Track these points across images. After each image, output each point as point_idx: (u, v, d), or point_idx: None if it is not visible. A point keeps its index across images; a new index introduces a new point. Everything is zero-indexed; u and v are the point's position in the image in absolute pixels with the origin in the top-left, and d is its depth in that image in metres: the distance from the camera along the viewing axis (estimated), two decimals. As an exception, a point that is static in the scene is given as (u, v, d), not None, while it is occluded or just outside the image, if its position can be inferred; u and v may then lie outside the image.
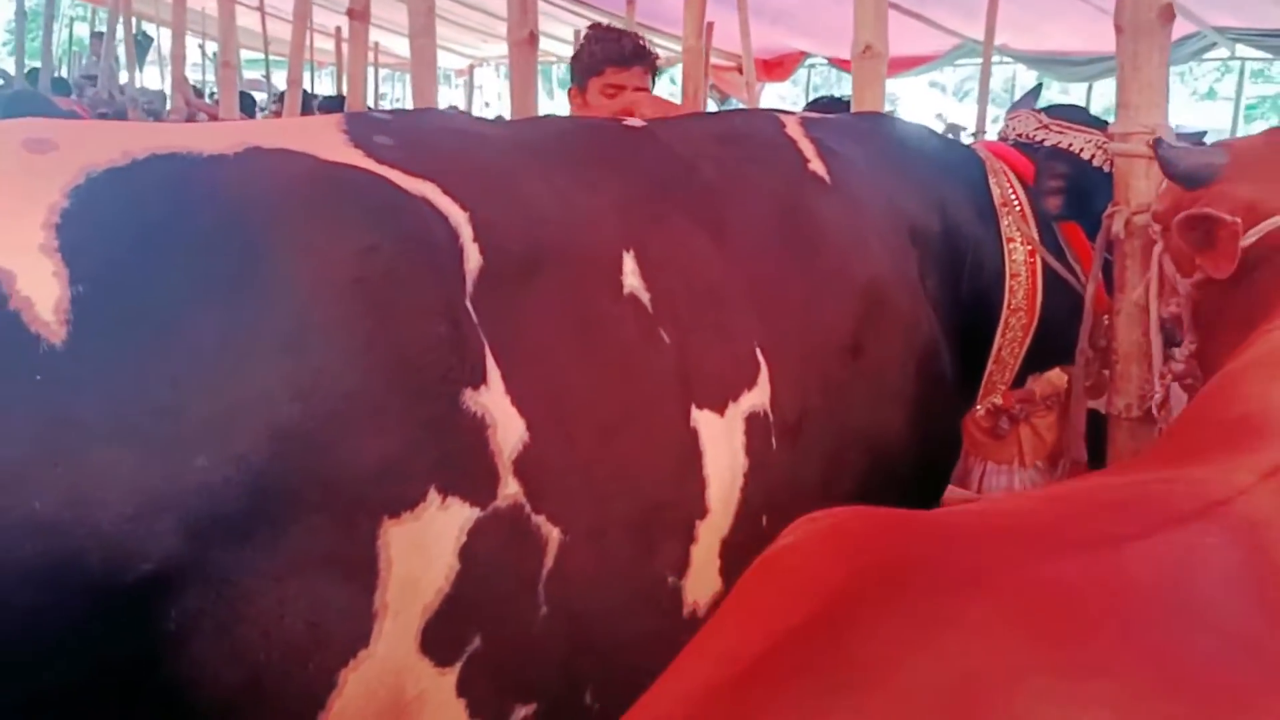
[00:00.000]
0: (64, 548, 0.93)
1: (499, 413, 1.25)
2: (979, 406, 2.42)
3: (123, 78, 9.62)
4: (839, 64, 9.92)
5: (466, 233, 1.29)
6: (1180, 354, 1.93)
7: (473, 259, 1.29)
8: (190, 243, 1.08)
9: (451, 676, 1.24)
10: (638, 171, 1.66)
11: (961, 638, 0.78)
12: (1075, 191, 2.20)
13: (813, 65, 10.88)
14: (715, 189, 1.73)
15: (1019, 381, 2.46)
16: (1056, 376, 2.68)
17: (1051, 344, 2.31)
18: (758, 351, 1.64)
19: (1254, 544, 0.90)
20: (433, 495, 1.18)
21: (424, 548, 1.18)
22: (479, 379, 1.23)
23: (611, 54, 3.10)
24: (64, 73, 12.65)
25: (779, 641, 0.84)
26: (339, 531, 1.11)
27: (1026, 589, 0.83)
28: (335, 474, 1.10)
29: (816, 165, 1.93)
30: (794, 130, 1.99)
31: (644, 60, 3.14)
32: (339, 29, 8.85)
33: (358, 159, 1.28)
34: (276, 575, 1.06)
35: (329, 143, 1.29)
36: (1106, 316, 2.19)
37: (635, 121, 1.88)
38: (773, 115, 2.05)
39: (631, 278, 1.49)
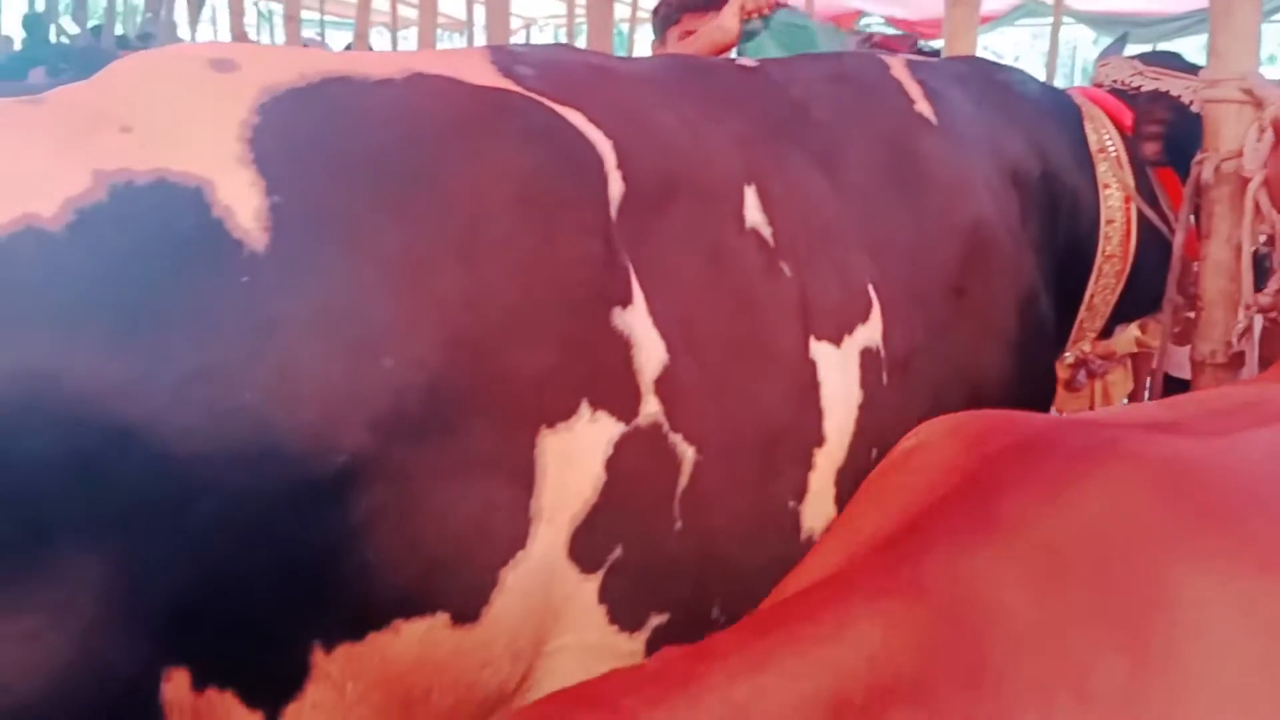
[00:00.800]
0: (269, 438, 0.99)
1: (642, 333, 1.30)
2: (1066, 354, 2.44)
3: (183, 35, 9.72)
4: (895, 23, 9.82)
5: (611, 159, 1.34)
6: (1270, 287, 1.95)
7: (616, 185, 1.33)
8: (371, 158, 1.13)
9: (594, 583, 1.30)
10: (755, 109, 1.69)
11: (1091, 495, 0.83)
12: (1173, 138, 2.21)
13: (868, 25, 10.78)
14: (828, 128, 1.77)
15: (1107, 332, 2.48)
16: (1131, 335, 2.70)
17: (1142, 292, 2.32)
18: (870, 288, 1.67)
19: None
20: (584, 408, 1.24)
21: (575, 458, 1.24)
22: (626, 299, 1.28)
23: (686, 1, 3.14)
24: (123, 30, 12.74)
25: (925, 509, 0.89)
26: (501, 437, 1.17)
27: (1150, 459, 0.88)
28: (500, 381, 1.16)
29: (923, 107, 1.95)
30: (899, 72, 2.01)
31: (719, 4, 3.15)
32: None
33: (510, 86, 1.33)
34: (448, 474, 1.12)
35: (481, 71, 1.34)
36: (1195, 263, 2.20)
37: (749, 62, 1.92)
38: (877, 58, 2.07)
39: (753, 212, 1.53)
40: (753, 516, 1.46)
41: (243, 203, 1.03)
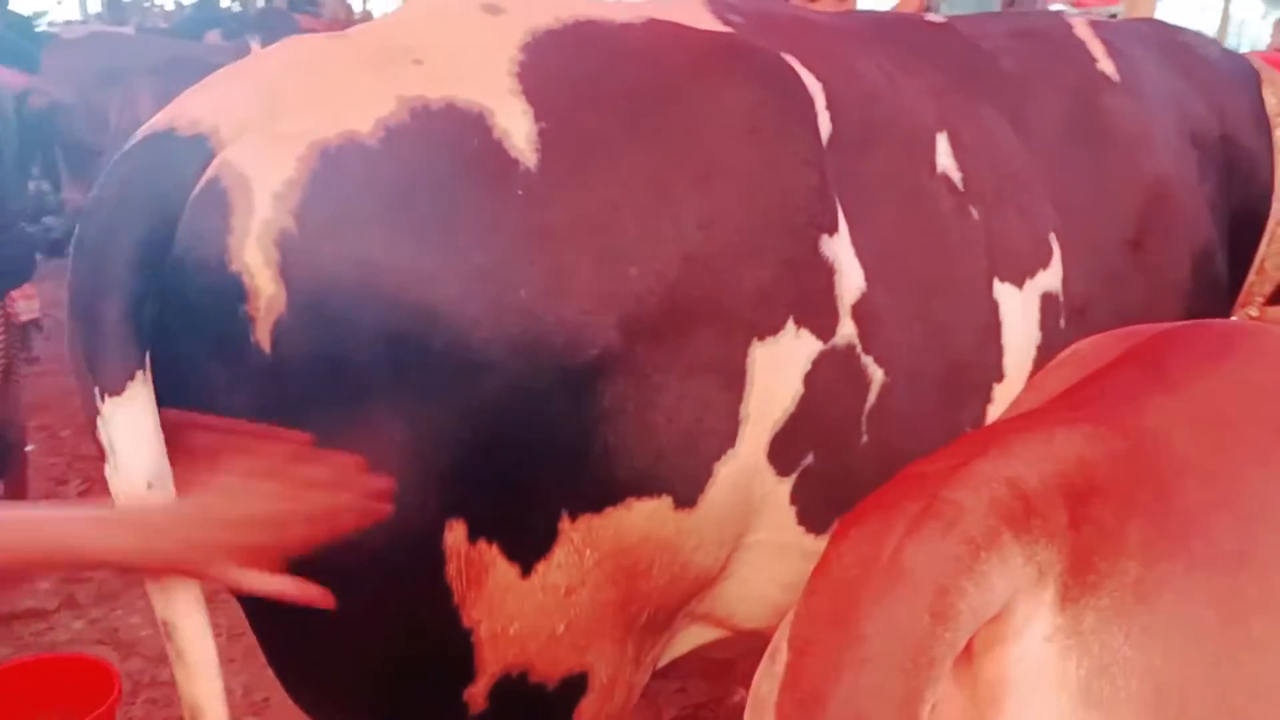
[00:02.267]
0: (538, 329, 1.16)
1: (845, 261, 1.43)
2: (1234, 316, 2.46)
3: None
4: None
5: (821, 101, 1.46)
6: None
7: (825, 124, 1.45)
8: (621, 92, 1.28)
9: (788, 485, 1.44)
10: (946, 61, 1.79)
11: (1246, 359, 0.94)
12: None
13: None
14: (1015, 81, 1.85)
15: (1277, 298, 2.48)
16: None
17: (1314, 260, 2.32)
18: (1051, 236, 1.76)
19: None
20: (790, 325, 1.37)
21: (779, 369, 1.37)
22: (834, 227, 1.41)
23: None
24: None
25: (1095, 376, 1.00)
26: (721, 344, 1.31)
27: None
28: (724, 294, 1.30)
29: (1106, 65, 2.01)
30: (1082, 31, 2.07)
31: None
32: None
33: (730, 32, 1.46)
34: (678, 373, 1.27)
35: (702, 18, 1.48)
36: None
37: (938, 18, 2.01)
38: (1061, 16, 2.13)
39: (944, 157, 1.63)
40: (931, 438, 1.57)
41: (517, 127, 1.20)
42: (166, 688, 3.18)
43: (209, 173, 1.09)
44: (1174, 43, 2.23)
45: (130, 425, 1.07)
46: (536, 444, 1.19)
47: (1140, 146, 1.97)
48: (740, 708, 3.14)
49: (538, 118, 1.21)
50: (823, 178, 1.40)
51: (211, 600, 1.16)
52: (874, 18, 1.92)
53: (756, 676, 1.03)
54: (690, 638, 1.60)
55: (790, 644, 0.84)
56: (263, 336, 1.07)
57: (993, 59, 1.86)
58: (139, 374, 1.07)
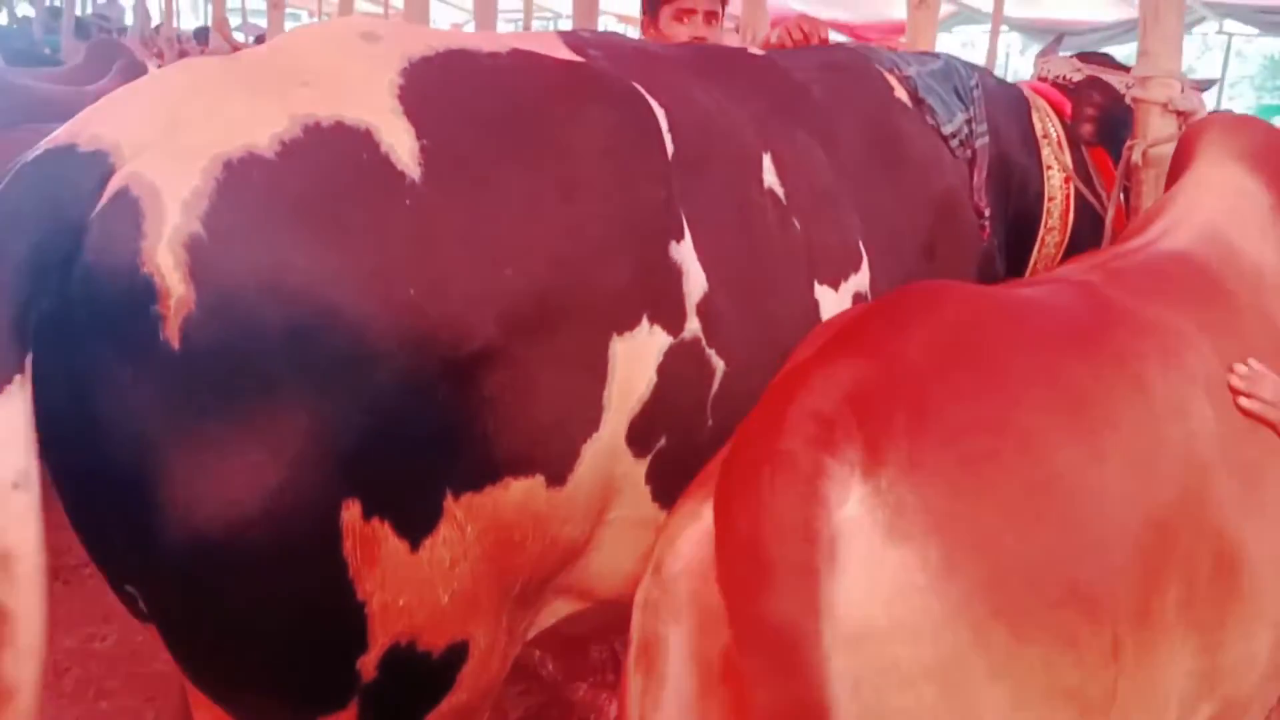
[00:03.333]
0: (426, 325, 1.28)
1: (690, 265, 1.61)
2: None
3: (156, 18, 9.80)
4: (837, 27, 10.21)
5: (665, 124, 1.64)
6: None
7: (669, 144, 1.64)
8: (493, 114, 1.43)
9: (644, 466, 1.61)
10: (766, 91, 2.01)
11: (958, 304, 1.30)
12: (1106, 120, 2.59)
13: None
14: (823, 109, 2.10)
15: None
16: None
17: (1079, 261, 2.70)
18: (860, 244, 2.01)
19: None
20: (645, 321, 1.54)
21: (636, 361, 1.54)
22: (680, 235, 1.59)
23: None
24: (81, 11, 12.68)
25: (848, 328, 1.33)
26: (586, 339, 1.47)
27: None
28: (588, 294, 1.46)
29: (900, 93, 2.30)
30: (878, 63, 2.35)
31: None
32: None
33: (585, 62, 1.63)
34: (548, 365, 1.42)
35: (562, 51, 1.64)
36: None
37: (758, 51, 2.25)
38: (860, 51, 2.41)
39: (769, 175, 1.85)
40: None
41: (401, 144, 1.32)
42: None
43: (118, 183, 1.17)
44: (958, 73, 2.55)
45: (4, 425, 1.13)
46: (424, 429, 1.31)
47: (931, 166, 2.26)
48: (583, 704, 3.27)
49: (419, 135, 1.34)
50: (669, 191, 1.58)
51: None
52: (705, 50, 2.14)
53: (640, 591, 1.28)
54: (555, 611, 1.74)
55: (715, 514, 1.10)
56: (172, 333, 1.15)
57: (805, 88, 2.10)
58: (17, 378, 1.14)
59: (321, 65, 1.37)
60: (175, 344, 1.15)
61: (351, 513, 1.27)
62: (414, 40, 1.46)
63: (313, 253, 1.21)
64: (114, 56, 6.57)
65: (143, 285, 1.14)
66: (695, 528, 1.16)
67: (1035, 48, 9.24)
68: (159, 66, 6.23)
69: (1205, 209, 1.92)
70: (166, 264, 1.15)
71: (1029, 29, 9.41)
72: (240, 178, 1.20)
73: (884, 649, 1.03)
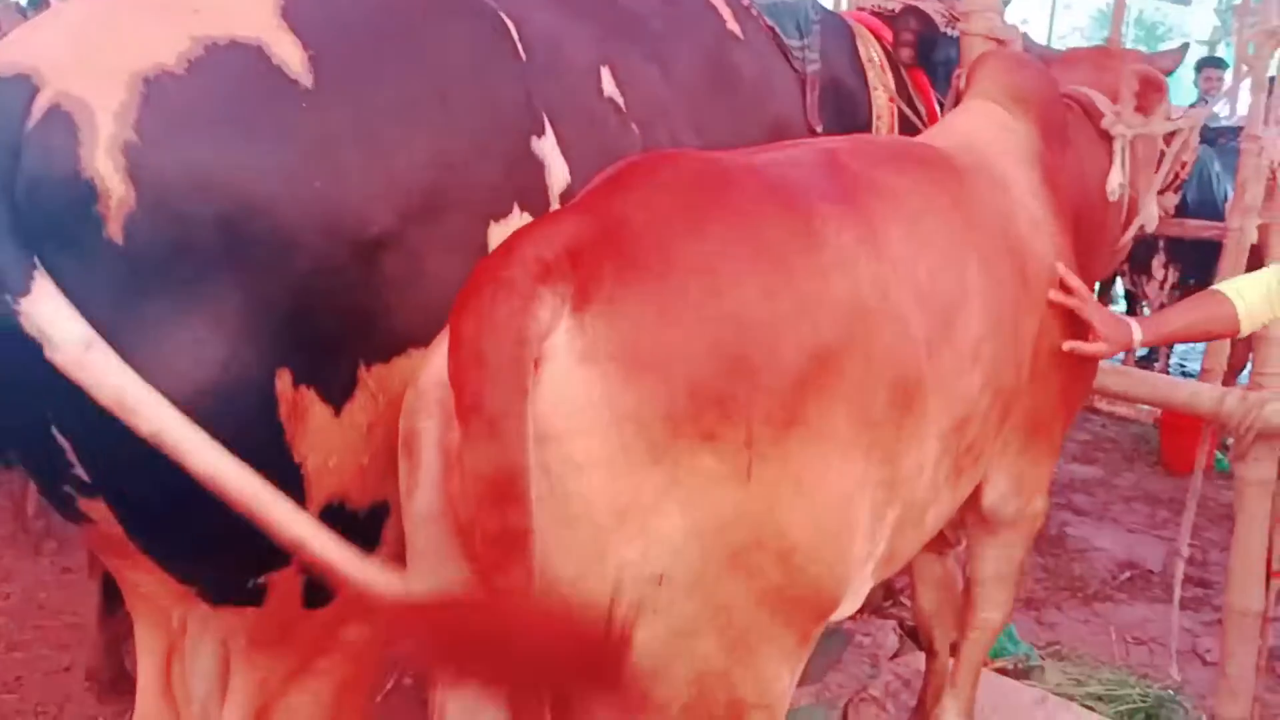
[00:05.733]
0: (333, 213, 1.48)
1: (552, 158, 1.84)
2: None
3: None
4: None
5: (515, 34, 1.86)
6: None
7: (522, 52, 1.85)
8: (371, 26, 1.63)
9: None
10: (604, 18, 2.24)
11: (692, 170, 1.54)
12: (924, 44, 2.93)
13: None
14: (659, 36, 2.34)
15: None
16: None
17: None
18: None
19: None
20: (515, 209, 1.77)
21: None
22: (541, 131, 1.82)
23: None
24: None
25: (586, 194, 1.55)
26: (466, 226, 1.69)
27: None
28: (466, 185, 1.67)
29: (733, 26, 2.57)
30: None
31: None
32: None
33: None
34: (437, 249, 1.63)
35: None
36: None
37: None
38: None
39: (608, 84, 2.08)
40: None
41: (290, 55, 1.50)
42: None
43: (46, 101, 1.31)
44: (786, 6, 2.83)
45: (51, 308, 1.28)
46: (338, 306, 1.51)
47: (763, 91, 2.56)
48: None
49: (305, 47, 1.52)
50: (527, 91, 1.80)
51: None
52: None
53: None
54: None
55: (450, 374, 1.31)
56: (115, 231, 1.32)
57: (642, 18, 2.34)
58: (36, 271, 1.28)
59: None
60: (119, 239, 1.32)
61: (284, 381, 1.47)
62: None
63: (230, 152, 1.39)
64: None
65: (85, 189, 1.31)
66: (442, 349, 1.39)
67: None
68: None
69: (967, 128, 2.28)
70: (106, 168, 1.31)
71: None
72: (159, 91, 1.36)
73: (563, 447, 1.30)
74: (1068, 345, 2.15)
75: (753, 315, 1.39)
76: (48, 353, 1.28)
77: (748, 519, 1.37)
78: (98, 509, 1.53)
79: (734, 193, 1.51)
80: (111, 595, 3.01)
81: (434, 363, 1.42)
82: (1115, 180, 2.44)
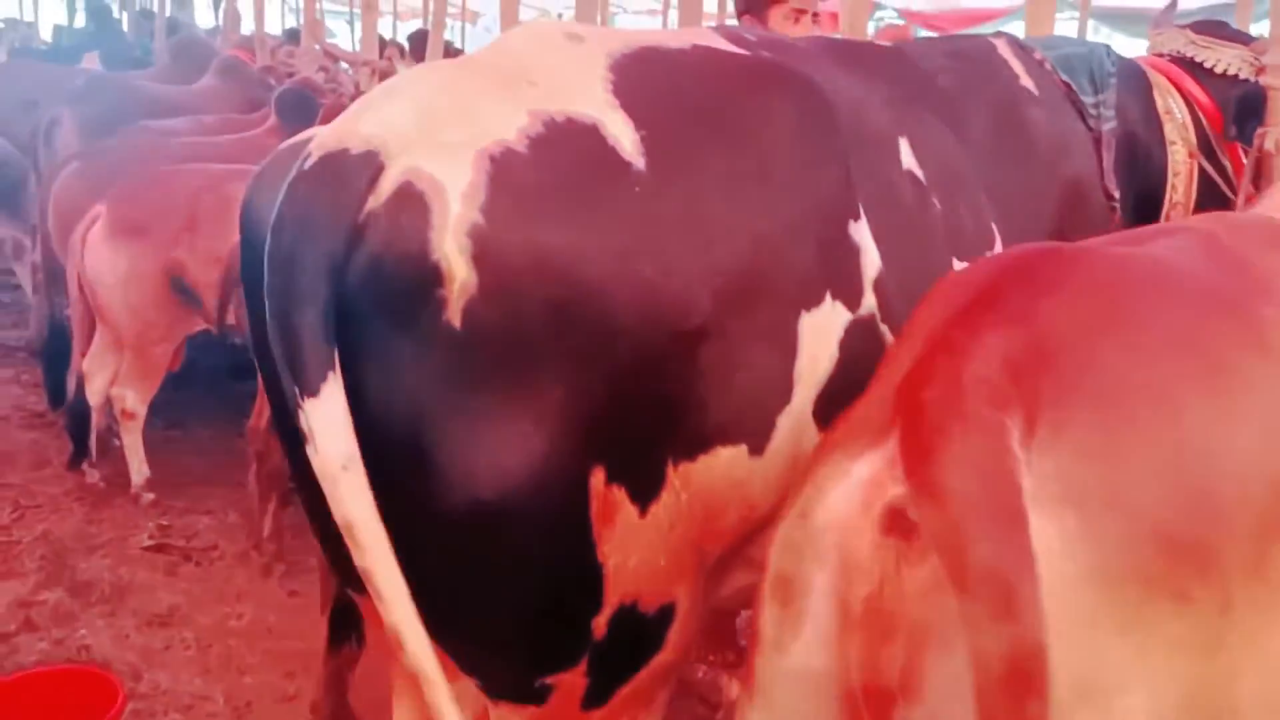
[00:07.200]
0: (659, 300, 1.40)
1: (866, 242, 1.70)
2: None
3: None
4: (910, 16, 10.19)
5: (833, 107, 1.74)
6: None
7: (840, 128, 1.73)
8: (695, 103, 1.54)
9: None
10: (896, 79, 2.10)
11: (1091, 269, 1.34)
12: (1240, 114, 2.65)
13: (881, 19, 11.15)
14: (950, 95, 2.18)
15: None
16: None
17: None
18: (993, 225, 2.08)
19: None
20: (829, 297, 1.64)
21: (821, 336, 1.63)
22: (857, 214, 1.69)
23: None
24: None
25: (981, 297, 1.33)
26: (780, 314, 1.57)
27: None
28: (782, 271, 1.56)
29: (1026, 81, 2.38)
30: (1004, 51, 2.42)
31: None
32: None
33: (755, 55, 1.73)
34: (751, 339, 1.52)
35: (726, 45, 1.74)
36: None
37: (885, 42, 2.33)
38: (985, 39, 2.49)
39: (907, 157, 1.94)
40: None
41: (623, 135, 1.43)
42: (148, 700, 3.24)
43: (396, 178, 1.28)
44: (1079, 55, 2.61)
45: (327, 419, 1.27)
46: (654, 400, 1.42)
47: (1059, 150, 2.35)
48: (703, 684, 3.31)
49: (637, 127, 1.45)
50: (847, 172, 1.67)
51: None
52: (835, 42, 2.24)
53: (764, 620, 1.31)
54: (734, 582, 1.84)
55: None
56: (453, 316, 1.27)
57: (931, 76, 2.19)
58: (331, 374, 1.27)
59: (540, 64, 1.49)
60: (457, 324, 1.27)
61: (597, 478, 1.39)
62: (611, 38, 1.58)
63: (570, 236, 1.33)
64: (199, 55, 6.77)
65: (431, 271, 1.27)
66: (846, 485, 1.23)
67: (1119, 36, 9.19)
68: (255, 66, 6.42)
69: None
70: (453, 251, 1.26)
71: (1104, 15, 9.34)
72: (504, 170, 1.31)
73: None
74: None
75: (1215, 442, 1.19)
76: (309, 449, 1.27)
77: (1206, 699, 1.16)
78: None
79: (1164, 294, 1.32)
80: (338, 629, 3.05)
81: (832, 501, 1.26)
82: None
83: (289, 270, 1.28)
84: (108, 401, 4.50)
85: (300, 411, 1.27)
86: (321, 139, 1.35)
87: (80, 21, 11.59)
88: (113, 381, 4.44)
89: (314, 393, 1.26)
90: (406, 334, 1.28)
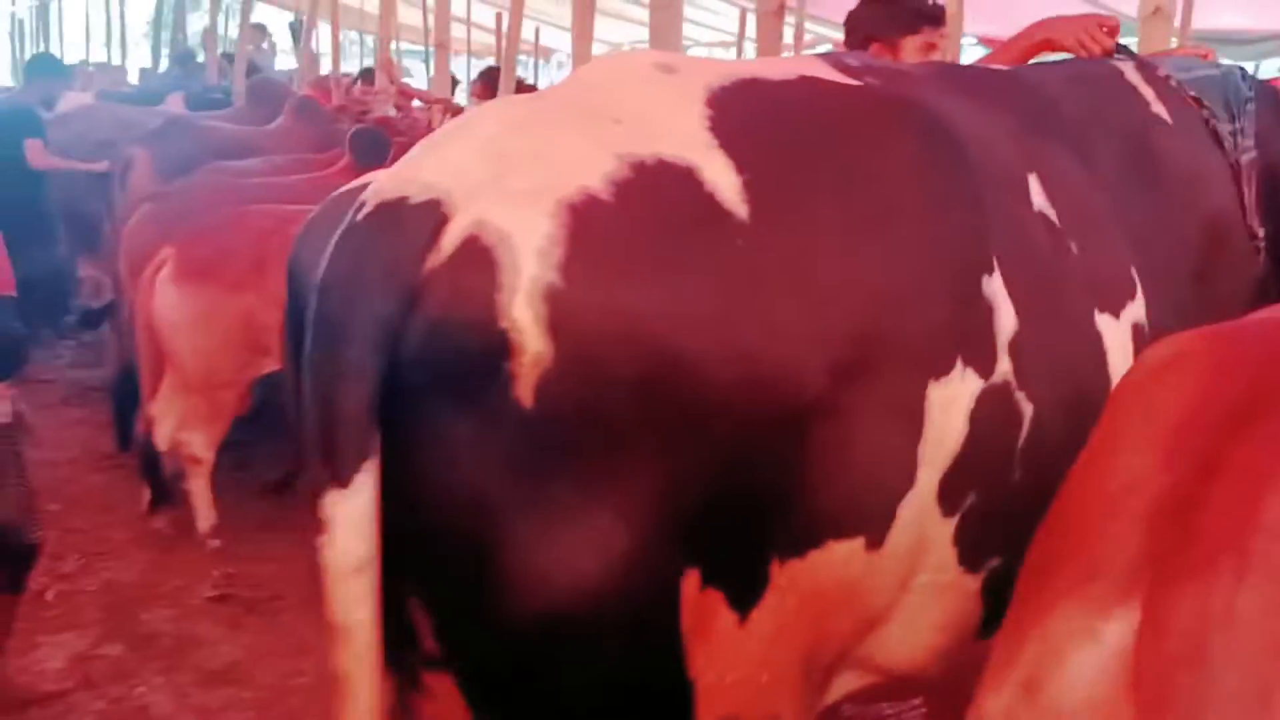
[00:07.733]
0: (761, 371, 1.18)
1: (1000, 299, 1.47)
2: None
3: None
4: (988, 42, 9.91)
5: (961, 146, 1.51)
6: None
7: (969, 170, 1.51)
8: (803, 141, 1.32)
9: (951, 525, 1.46)
10: (1018, 108, 1.86)
11: None
12: None
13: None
14: (1077, 125, 1.93)
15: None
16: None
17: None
18: (1132, 270, 1.83)
19: None
20: (959, 364, 1.41)
21: (949, 409, 1.40)
22: (990, 267, 1.46)
23: (926, 13, 3.20)
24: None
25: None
26: (904, 384, 1.34)
27: None
28: (905, 333, 1.33)
29: (1158, 108, 2.12)
30: (1132, 76, 2.17)
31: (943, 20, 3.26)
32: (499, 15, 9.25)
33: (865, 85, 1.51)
34: (868, 414, 1.29)
35: (834, 75, 1.52)
36: None
37: (1003, 67, 2.10)
38: (1109, 63, 2.24)
39: (1038, 196, 1.70)
40: (1067, 468, 1.62)
41: (724, 180, 1.22)
42: (205, 764, 3.10)
43: (462, 230, 1.10)
44: (1213, 80, 2.34)
45: (353, 514, 1.10)
46: (757, 488, 1.20)
47: (1197, 184, 2.07)
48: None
49: (738, 171, 1.24)
50: (982, 218, 1.45)
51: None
52: (947, 67, 2.00)
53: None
54: (841, 686, 1.60)
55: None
56: (524, 392, 1.07)
57: (1055, 103, 1.94)
58: (366, 465, 1.09)
59: (627, 100, 1.29)
60: (527, 403, 1.08)
61: (691, 583, 1.17)
62: (708, 70, 1.38)
63: (662, 300, 1.13)
64: (275, 95, 6.77)
65: (497, 341, 1.07)
66: (1096, 651, 0.99)
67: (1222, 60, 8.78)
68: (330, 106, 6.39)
69: None
70: (525, 318, 1.07)
71: (1212, 39, 8.94)
72: (586, 222, 1.12)
73: None
74: None
75: None
76: (323, 539, 1.11)
77: None
78: (442, 683, 1.29)
79: None
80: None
81: (1077, 673, 1.01)
82: None
83: (335, 340, 1.09)
84: (176, 445, 4.41)
85: (322, 499, 1.09)
86: (378, 185, 1.17)
87: (164, 65, 11.85)
88: (180, 426, 4.35)
89: (344, 483, 1.09)
90: (468, 413, 1.09)
